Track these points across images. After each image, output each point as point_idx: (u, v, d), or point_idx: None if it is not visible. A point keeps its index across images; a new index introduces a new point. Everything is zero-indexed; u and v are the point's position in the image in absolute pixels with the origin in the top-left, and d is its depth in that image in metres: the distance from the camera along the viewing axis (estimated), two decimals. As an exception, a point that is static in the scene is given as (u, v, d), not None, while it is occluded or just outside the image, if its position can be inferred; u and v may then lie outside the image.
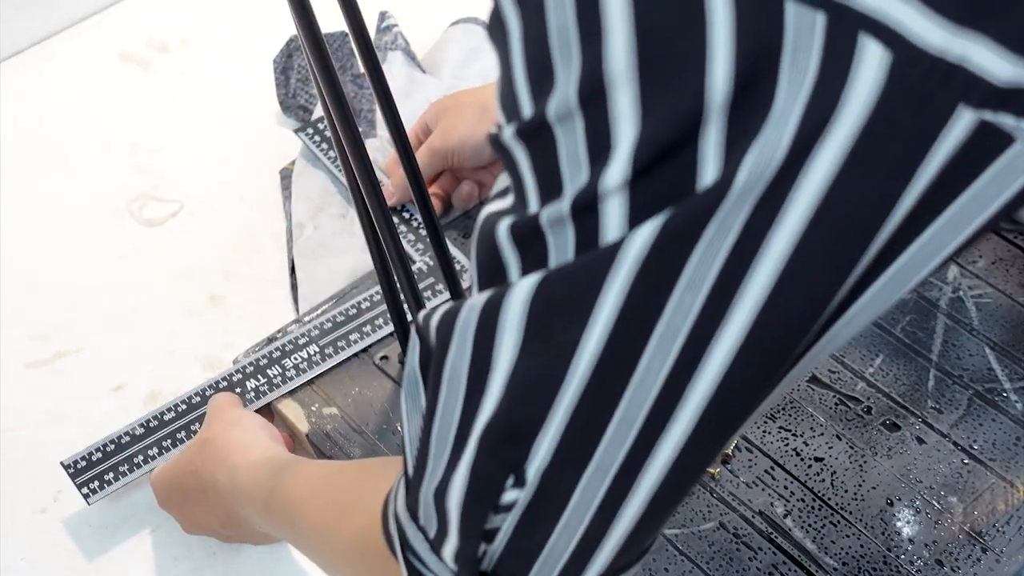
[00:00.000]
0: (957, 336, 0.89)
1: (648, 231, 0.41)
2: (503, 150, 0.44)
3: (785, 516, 0.80)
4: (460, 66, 1.12)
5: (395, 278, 0.80)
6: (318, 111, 1.07)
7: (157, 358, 0.94)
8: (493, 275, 0.45)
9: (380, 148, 1.04)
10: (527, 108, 0.42)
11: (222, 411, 0.81)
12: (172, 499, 0.80)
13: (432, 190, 0.97)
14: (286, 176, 1.05)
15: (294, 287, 0.98)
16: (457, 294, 0.89)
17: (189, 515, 0.80)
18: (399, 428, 0.85)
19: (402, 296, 0.81)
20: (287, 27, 0.82)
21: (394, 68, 1.08)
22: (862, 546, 0.78)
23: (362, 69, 1.10)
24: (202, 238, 1.03)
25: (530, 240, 0.44)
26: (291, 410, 0.86)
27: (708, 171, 0.39)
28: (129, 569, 0.82)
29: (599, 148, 0.41)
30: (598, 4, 0.39)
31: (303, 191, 1.03)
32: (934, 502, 0.80)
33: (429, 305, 0.89)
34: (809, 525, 0.79)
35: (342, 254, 0.98)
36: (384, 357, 0.89)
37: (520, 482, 0.47)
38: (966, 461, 0.82)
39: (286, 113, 1.11)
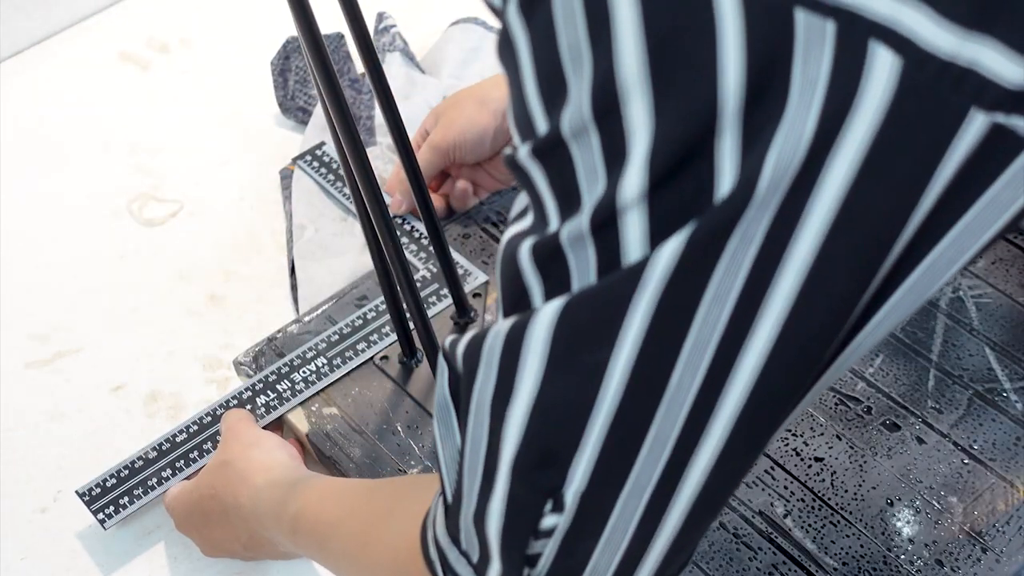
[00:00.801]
0: (957, 336, 0.89)
1: (671, 249, 0.41)
2: (519, 170, 0.44)
3: (785, 516, 0.80)
4: (459, 66, 1.12)
5: (396, 280, 0.80)
6: (311, 135, 1.07)
7: (157, 358, 0.94)
8: (517, 300, 0.46)
9: (381, 155, 1.04)
10: (541, 125, 0.42)
11: (238, 431, 0.80)
12: (191, 522, 0.80)
13: (436, 196, 0.97)
14: (286, 176, 1.05)
15: (294, 287, 0.98)
16: (460, 299, 0.89)
17: (209, 538, 0.79)
18: (399, 428, 0.85)
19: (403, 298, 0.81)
20: (287, 27, 0.82)
21: (392, 69, 1.08)
22: (862, 546, 0.78)
23: (359, 71, 1.11)
24: (202, 238, 1.03)
25: (552, 262, 0.44)
26: (291, 412, 0.86)
27: (725, 179, 0.39)
28: (129, 569, 0.82)
29: (615, 157, 0.41)
30: (608, 18, 0.39)
31: (303, 192, 1.03)
32: (934, 502, 0.80)
33: (432, 311, 0.89)
34: (809, 525, 0.79)
35: (342, 255, 0.98)
36: (384, 357, 0.89)
37: (559, 507, 0.47)
38: (966, 461, 0.82)
39: (285, 115, 1.12)
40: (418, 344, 0.87)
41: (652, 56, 0.39)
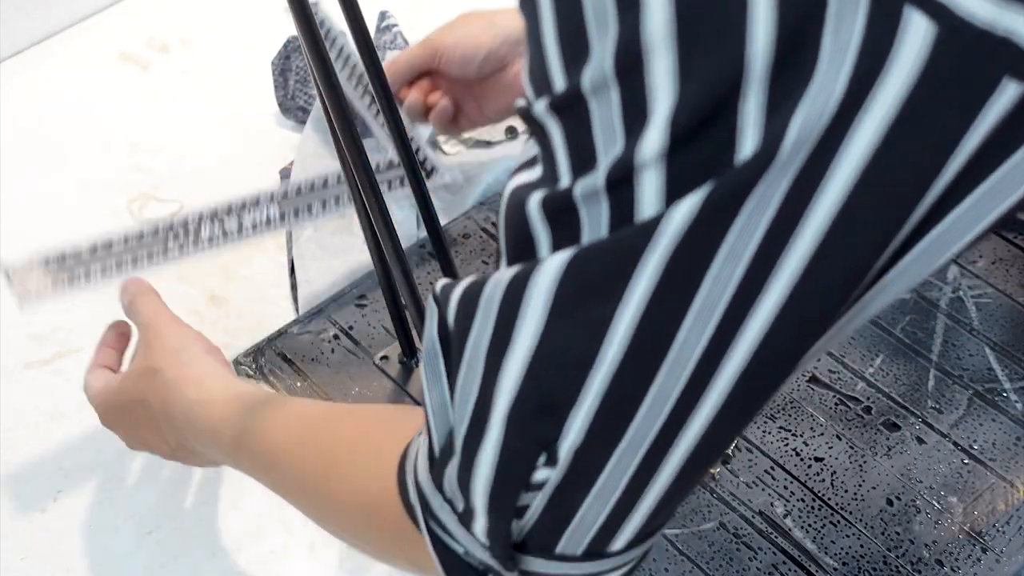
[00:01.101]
0: (957, 336, 0.89)
1: (687, 207, 0.40)
2: (534, 123, 0.44)
3: (785, 516, 0.80)
4: (460, 66, 1.12)
5: (395, 278, 0.80)
6: (309, 132, 1.07)
7: (157, 358, 0.94)
8: (522, 250, 0.45)
9: (377, 148, 1.04)
10: (559, 81, 0.42)
11: (159, 330, 0.77)
12: (118, 421, 0.77)
13: (411, 94, 0.96)
14: (286, 176, 1.05)
15: (294, 287, 0.98)
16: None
17: (136, 436, 0.77)
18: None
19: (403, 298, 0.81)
20: (287, 27, 0.82)
21: (394, 68, 1.08)
22: (862, 546, 0.78)
23: (359, 70, 1.11)
24: (202, 238, 1.03)
25: (562, 215, 0.43)
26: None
27: (748, 141, 0.39)
28: (129, 569, 0.82)
29: (635, 117, 0.40)
30: None
31: (303, 191, 1.03)
32: (934, 502, 0.80)
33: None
34: (809, 525, 0.79)
35: (342, 254, 0.98)
36: (384, 357, 0.89)
37: (552, 461, 0.47)
38: (966, 461, 0.82)
39: (285, 115, 1.12)
40: (418, 344, 0.87)
41: (679, 16, 0.38)
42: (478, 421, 0.47)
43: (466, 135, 1.07)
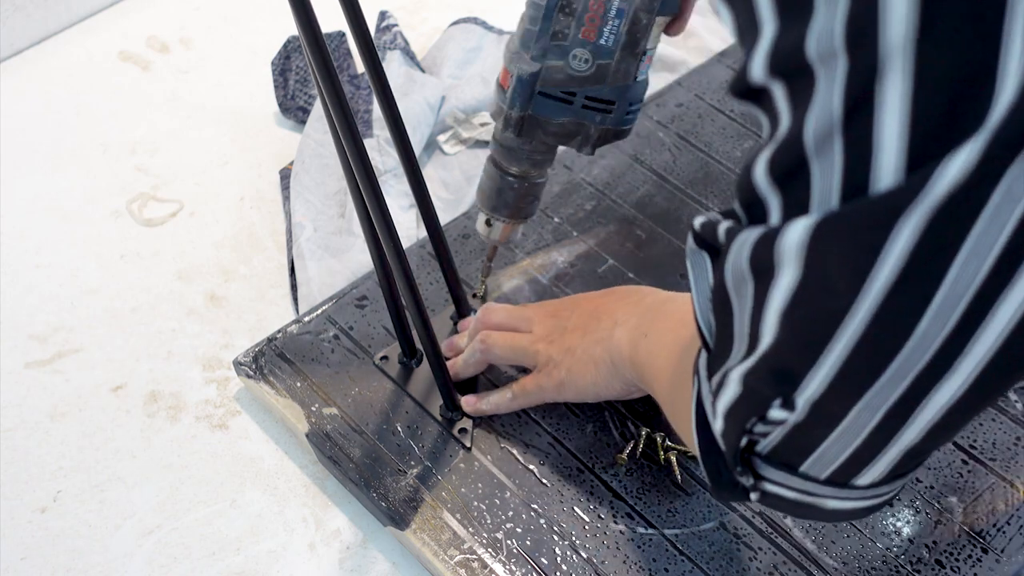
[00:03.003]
0: (957, 336, 0.89)
1: (960, 164, 0.39)
2: (754, 91, 0.44)
3: (785, 516, 0.80)
4: (459, 66, 1.12)
5: (395, 278, 0.80)
6: (310, 130, 1.07)
7: (157, 358, 0.94)
8: (753, 213, 0.47)
9: (378, 148, 1.04)
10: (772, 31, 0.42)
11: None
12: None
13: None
14: (286, 176, 1.05)
15: (294, 287, 0.98)
16: (459, 299, 0.89)
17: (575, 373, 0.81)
18: (398, 428, 0.85)
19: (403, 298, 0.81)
20: (287, 27, 0.82)
21: (393, 67, 1.09)
22: (862, 546, 0.78)
23: (359, 69, 1.11)
24: (202, 238, 1.03)
25: (794, 171, 0.44)
26: (291, 410, 0.86)
27: (1007, 91, 0.37)
28: (129, 569, 0.82)
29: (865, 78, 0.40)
30: None
31: (302, 191, 1.03)
32: (934, 502, 0.80)
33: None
34: (809, 525, 0.79)
35: (342, 254, 0.98)
36: (384, 357, 0.89)
37: (789, 406, 0.50)
38: (966, 461, 0.82)
39: (285, 115, 1.12)
40: (418, 345, 0.87)
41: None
42: (735, 352, 0.52)
43: (466, 135, 1.07)
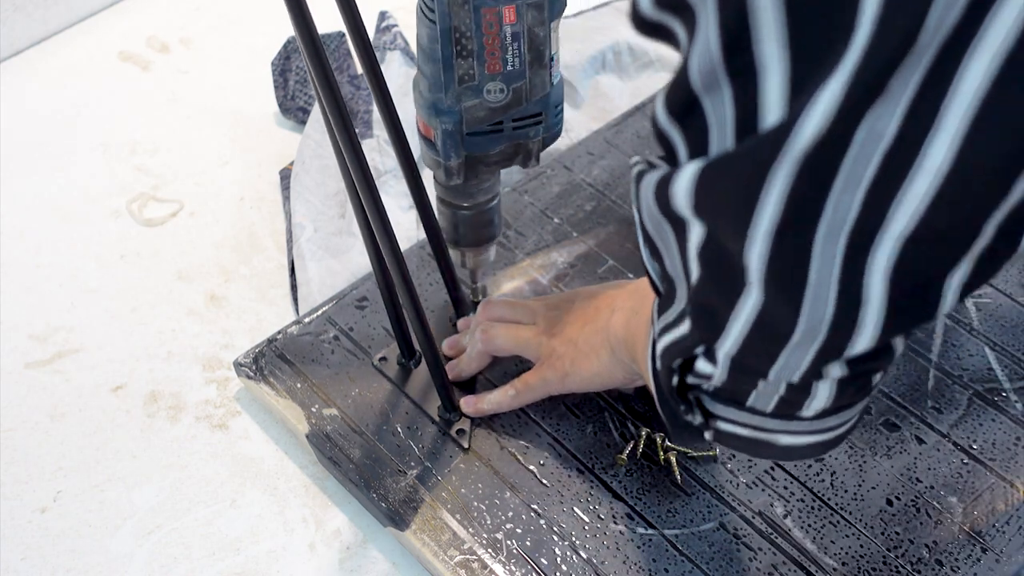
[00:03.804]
0: (957, 336, 0.89)
1: (811, 127, 0.41)
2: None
3: (785, 516, 0.80)
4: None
5: (393, 279, 0.80)
6: (310, 131, 1.07)
7: (157, 358, 0.94)
8: (665, 148, 0.49)
9: (377, 148, 1.04)
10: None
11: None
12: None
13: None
14: (286, 176, 1.05)
15: (294, 287, 0.98)
16: (457, 299, 0.89)
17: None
18: (398, 429, 0.85)
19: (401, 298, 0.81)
20: (287, 27, 0.82)
21: (392, 68, 1.09)
22: (862, 546, 0.78)
23: (359, 70, 1.11)
24: (202, 238, 1.03)
25: (687, 111, 0.45)
26: (291, 411, 0.86)
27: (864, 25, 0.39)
28: (129, 569, 0.82)
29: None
30: None
31: (302, 191, 1.03)
32: (934, 502, 0.80)
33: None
34: (809, 525, 0.79)
35: (342, 254, 0.98)
36: (383, 358, 0.89)
37: (712, 360, 0.54)
38: (966, 461, 0.82)
39: (285, 115, 1.12)
40: (416, 346, 0.87)
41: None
42: (679, 295, 0.55)
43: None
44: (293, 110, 1.11)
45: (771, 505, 0.80)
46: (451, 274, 0.88)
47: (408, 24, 1.16)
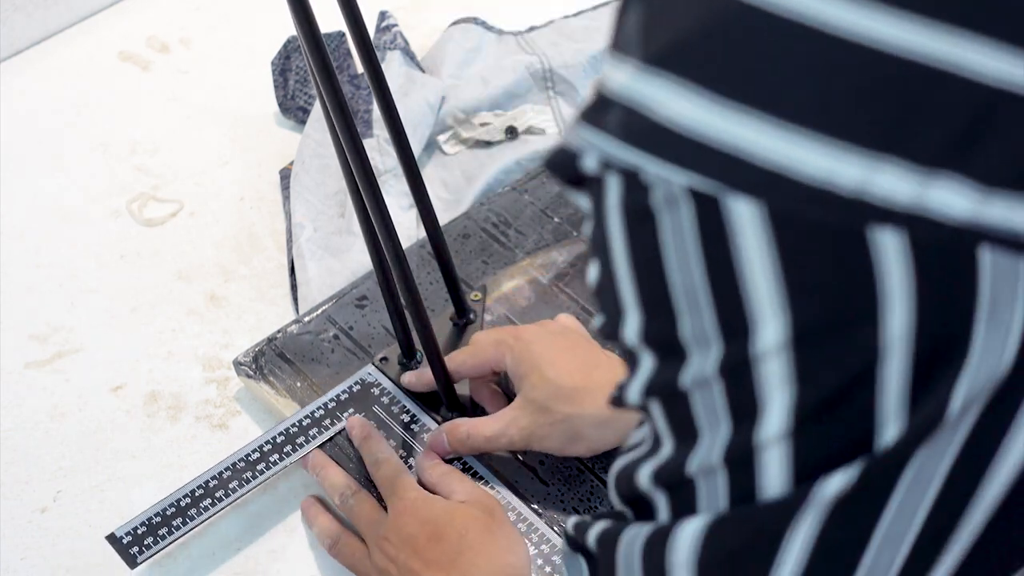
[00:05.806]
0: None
1: (838, 482, 0.39)
2: (631, 406, 0.44)
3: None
4: (459, 66, 1.12)
5: (394, 278, 0.80)
6: (310, 131, 1.07)
7: (157, 358, 0.94)
8: (639, 509, 0.45)
9: (377, 148, 1.04)
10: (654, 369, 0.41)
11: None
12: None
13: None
14: (285, 176, 1.05)
15: (294, 287, 0.98)
16: (458, 300, 0.89)
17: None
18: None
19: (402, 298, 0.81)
20: (287, 27, 0.82)
21: (392, 67, 1.09)
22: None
23: (359, 69, 1.11)
24: (202, 238, 1.03)
25: (677, 485, 0.43)
26: (291, 410, 0.86)
27: (889, 425, 0.38)
28: (129, 569, 0.82)
29: (743, 411, 0.40)
30: (739, 282, 0.37)
31: (302, 191, 1.03)
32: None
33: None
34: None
35: (342, 254, 0.98)
36: (384, 359, 0.89)
37: None
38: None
39: (285, 115, 1.12)
40: (417, 346, 0.87)
41: (797, 329, 0.37)
42: None
43: (466, 135, 1.07)
44: (293, 110, 1.11)
45: (771, 505, 0.80)
46: (451, 273, 0.88)
47: (408, 24, 1.16)
